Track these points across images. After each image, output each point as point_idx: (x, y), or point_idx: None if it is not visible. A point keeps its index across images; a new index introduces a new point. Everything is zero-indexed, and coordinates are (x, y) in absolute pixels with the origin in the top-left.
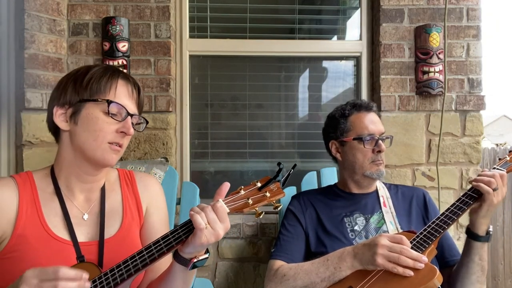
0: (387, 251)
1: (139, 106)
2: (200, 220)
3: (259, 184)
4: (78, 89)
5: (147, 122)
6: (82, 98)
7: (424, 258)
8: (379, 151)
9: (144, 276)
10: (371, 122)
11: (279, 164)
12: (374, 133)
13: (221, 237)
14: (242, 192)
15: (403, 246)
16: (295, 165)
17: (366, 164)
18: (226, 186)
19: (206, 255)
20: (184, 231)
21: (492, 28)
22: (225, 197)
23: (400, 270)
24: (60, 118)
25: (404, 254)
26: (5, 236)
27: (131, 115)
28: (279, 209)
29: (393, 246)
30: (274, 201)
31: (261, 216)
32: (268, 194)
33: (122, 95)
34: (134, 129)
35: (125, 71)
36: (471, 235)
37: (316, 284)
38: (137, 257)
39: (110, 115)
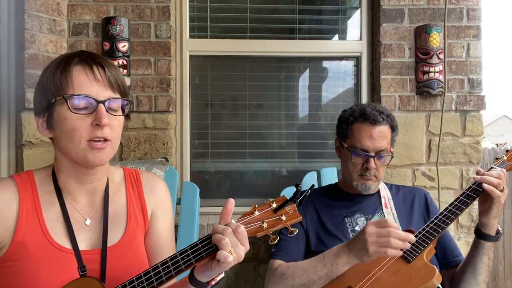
0: (376, 237)
1: (113, 85)
2: (227, 254)
3: (274, 205)
4: (43, 91)
5: (131, 103)
6: (48, 101)
7: (412, 236)
8: (367, 168)
9: None
10: (370, 137)
11: (297, 185)
12: (367, 149)
13: (243, 258)
14: (257, 213)
15: (389, 229)
16: (312, 185)
17: (355, 175)
18: (232, 204)
19: (222, 275)
20: (196, 258)
21: (492, 28)
22: (240, 217)
23: (393, 252)
24: (43, 126)
25: (393, 236)
26: (4, 244)
27: (103, 102)
28: (294, 234)
29: (381, 231)
30: (290, 225)
31: (275, 242)
32: (283, 218)
33: (82, 83)
34: (116, 115)
35: (125, 71)
36: (482, 235)
37: (314, 282)
38: (143, 278)
39: (73, 111)
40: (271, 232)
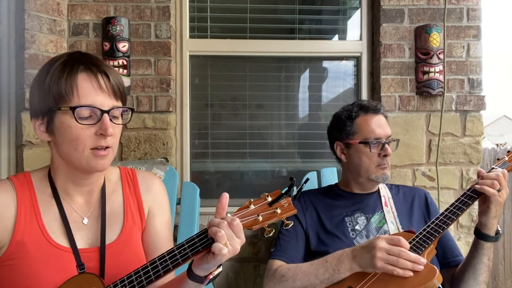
0: (385, 254)
1: (116, 93)
2: (222, 246)
3: (269, 199)
4: (43, 95)
5: (132, 110)
6: (50, 107)
7: (423, 260)
8: (385, 155)
9: None
10: (378, 125)
11: (291, 179)
12: (381, 137)
13: (238, 251)
14: (252, 207)
15: (401, 249)
16: (307, 179)
17: (372, 168)
18: (226, 198)
19: (220, 269)
20: (193, 251)
21: (492, 28)
22: (236, 211)
23: (400, 272)
24: (40, 129)
25: (403, 256)
26: (3, 244)
27: (107, 112)
28: (289, 226)
29: (392, 249)
30: (285, 218)
31: (271, 234)
32: (279, 211)
33: (87, 92)
34: (118, 123)
35: (125, 71)
36: (482, 236)
37: (316, 285)
38: (141, 272)
39: (79, 121)
40: (266, 225)
